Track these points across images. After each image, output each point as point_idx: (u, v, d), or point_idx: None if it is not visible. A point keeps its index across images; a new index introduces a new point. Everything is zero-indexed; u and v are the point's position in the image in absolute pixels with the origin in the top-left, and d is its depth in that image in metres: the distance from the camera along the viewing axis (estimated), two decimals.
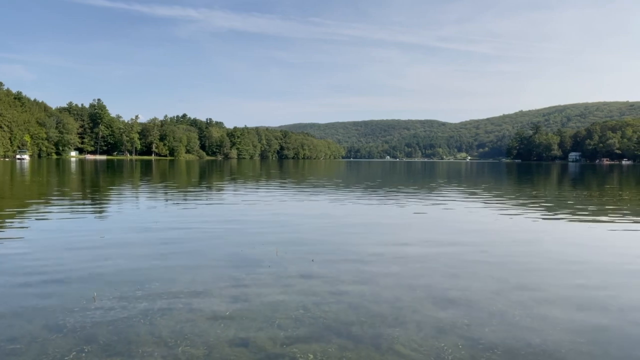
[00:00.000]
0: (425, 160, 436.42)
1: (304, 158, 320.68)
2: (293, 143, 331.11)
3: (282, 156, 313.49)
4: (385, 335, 5.66)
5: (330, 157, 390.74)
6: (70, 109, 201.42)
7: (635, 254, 10.51)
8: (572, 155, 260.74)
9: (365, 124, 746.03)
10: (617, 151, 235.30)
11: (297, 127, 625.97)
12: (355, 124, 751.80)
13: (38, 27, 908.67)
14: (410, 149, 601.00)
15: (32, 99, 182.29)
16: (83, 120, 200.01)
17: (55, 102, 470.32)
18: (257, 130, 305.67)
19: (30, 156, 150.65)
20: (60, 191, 26.36)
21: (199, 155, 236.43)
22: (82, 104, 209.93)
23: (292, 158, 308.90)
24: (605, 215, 17.47)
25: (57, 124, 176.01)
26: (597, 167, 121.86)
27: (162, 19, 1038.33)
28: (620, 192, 29.58)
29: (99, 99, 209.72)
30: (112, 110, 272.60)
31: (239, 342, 5.40)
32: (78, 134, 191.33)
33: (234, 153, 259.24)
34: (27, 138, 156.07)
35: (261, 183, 36.27)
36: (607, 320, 6.27)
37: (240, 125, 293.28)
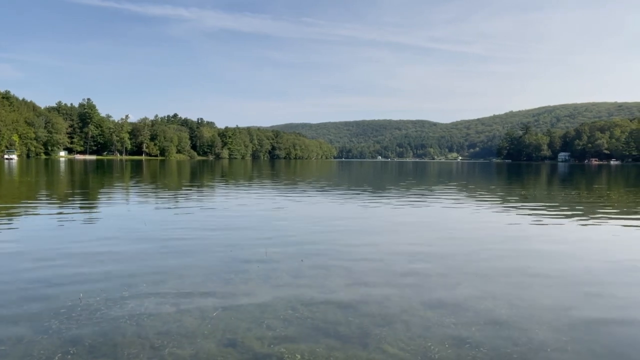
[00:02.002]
0: (417, 160, 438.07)
1: (295, 158, 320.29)
2: (285, 143, 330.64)
3: (273, 156, 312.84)
4: (373, 334, 5.68)
5: (322, 157, 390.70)
6: (59, 109, 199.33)
7: (623, 254, 10.62)
8: (562, 155, 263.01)
9: (357, 124, 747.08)
10: (606, 151, 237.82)
11: (289, 127, 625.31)
12: (347, 124, 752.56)
13: (27, 25, 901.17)
14: (401, 149, 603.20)
15: (21, 98, 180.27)
16: (72, 120, 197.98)
17: (44, 101, 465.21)
18: (248, 130, 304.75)
19: (19, 156, 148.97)
20: (49, 191, 26.09)
21: (190, 155, 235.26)
22: (71, 104, 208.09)
23: (284, 158, 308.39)
24: (594, 214, 17.65)
25: (45, 123, 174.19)
26: (585, 167, 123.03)
27: (153, 18, 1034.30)
28: (609, 192, 29.91)
29: (88, 99, 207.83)
30: (102, 110, 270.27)
31: (227, 343, 5.39)
32: (67, 133, 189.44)
33: (225, 153, 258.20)
34: (15, 138, 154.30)
35: (251, 183, 36.19)
36: (594, 319, 6.33)
37: (232, 125, 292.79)
